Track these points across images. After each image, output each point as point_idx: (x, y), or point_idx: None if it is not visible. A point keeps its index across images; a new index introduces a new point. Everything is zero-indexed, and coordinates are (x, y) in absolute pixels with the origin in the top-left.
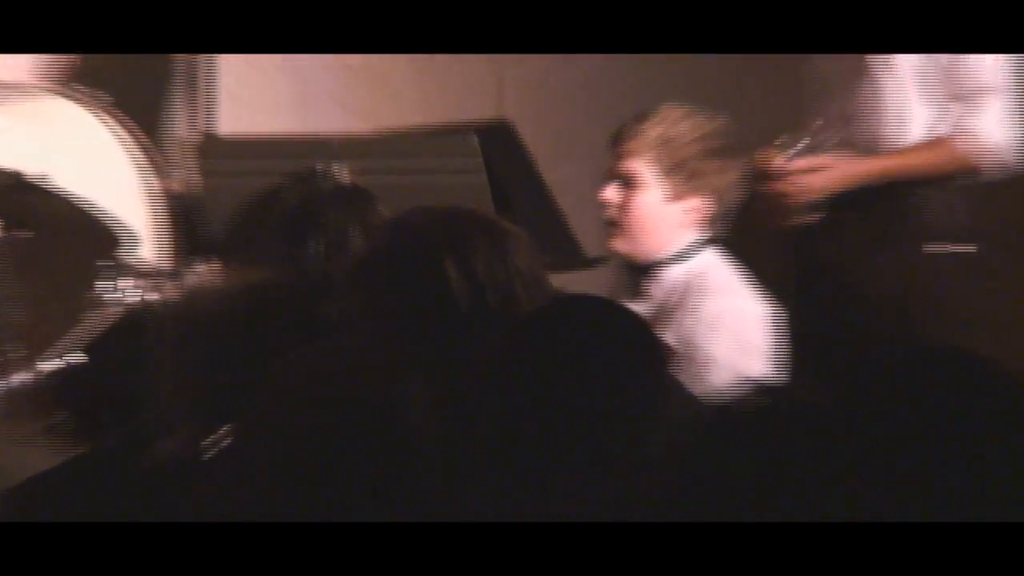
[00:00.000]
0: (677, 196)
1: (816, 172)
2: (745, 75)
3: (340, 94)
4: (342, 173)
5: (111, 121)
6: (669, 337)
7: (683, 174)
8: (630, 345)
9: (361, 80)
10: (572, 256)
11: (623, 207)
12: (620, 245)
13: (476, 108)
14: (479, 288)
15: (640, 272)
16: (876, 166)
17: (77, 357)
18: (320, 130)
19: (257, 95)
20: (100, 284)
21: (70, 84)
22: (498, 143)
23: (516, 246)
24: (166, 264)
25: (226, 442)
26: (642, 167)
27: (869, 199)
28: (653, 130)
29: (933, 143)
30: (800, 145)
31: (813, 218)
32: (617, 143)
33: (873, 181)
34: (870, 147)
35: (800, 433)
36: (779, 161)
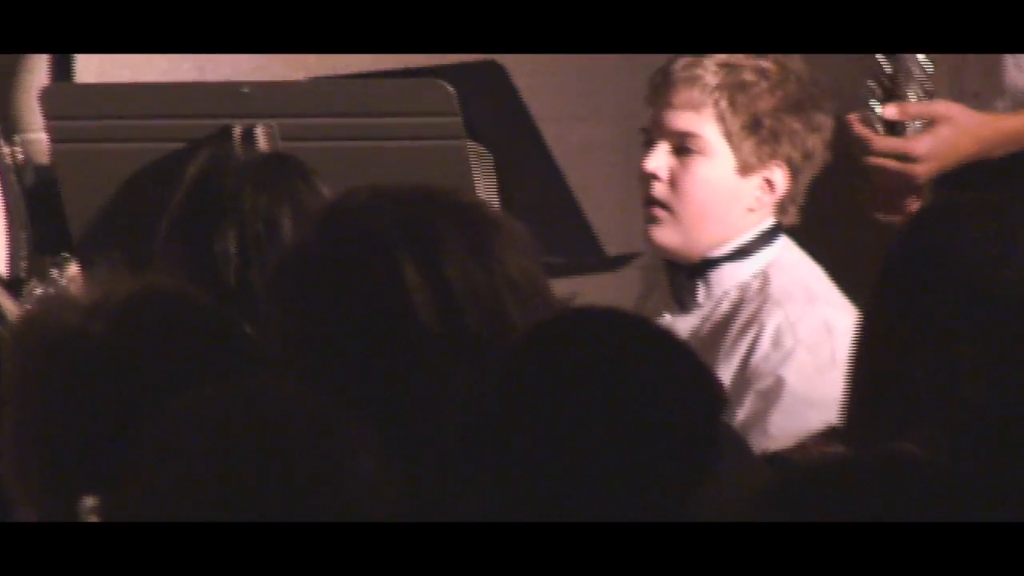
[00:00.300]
0: (751, 166)
1: (933, 129)
2: None
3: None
4: (266, 135)
5: None
6: (724, 365)
7: (759, 135)
8: (667, 381)
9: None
10: (587, 253)
11: (675, 182)
12: (668, 236)
13: None
14: (452, 302)
15: (687, 274)
16: (1019, 124)
17: None
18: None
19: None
20: None
21: None
22: (484, 95)
23: (502, 240)
24: (2, 266)
25: (91, 519)
26: (704, 125)
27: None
28: (714, 74)
29: None
30: (890, 82)
31: (931, 198)
32: (663, 92)
33: (1019, 145)
34: (1015, 107)
35: (907, 501)
36: (877, 120)
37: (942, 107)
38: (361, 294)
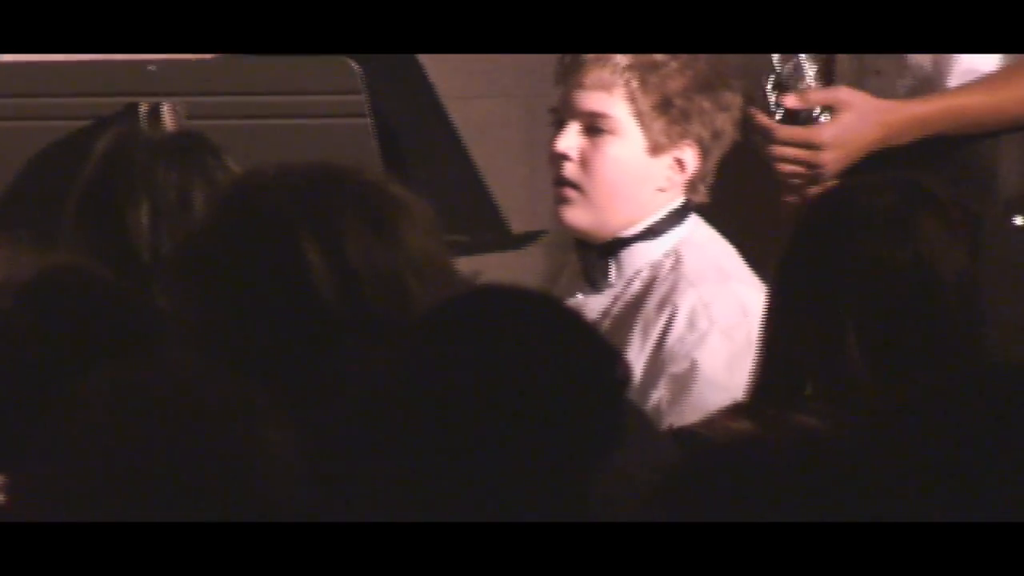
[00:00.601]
0: (661, 146)
1: (835, 116)
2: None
3: None
4: (171, 113)
5: None
6: (639, 346)
7: (670, 115)
8: (570, 359)
9: None
10: (492, 231)
11: (586, 163)
12: (578, 216)
13: None
14: (352, 280)
15: (598, 253)
16: (929, 109)
17: None
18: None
19: None
20: None
21: None
22: (388, 72)
23: (405, 218)
24: None
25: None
26: (614, 105)
27: (928, 153)
28: (624, 57)
29: (1011, 71)
30: (806, 70)
31: (837, 179)
32: (574, 72)
33: (935, 130)
34: (918, 87)
35: (804, 473)
36: (777, 107)
37: (844, 93)
38: (263, 272)
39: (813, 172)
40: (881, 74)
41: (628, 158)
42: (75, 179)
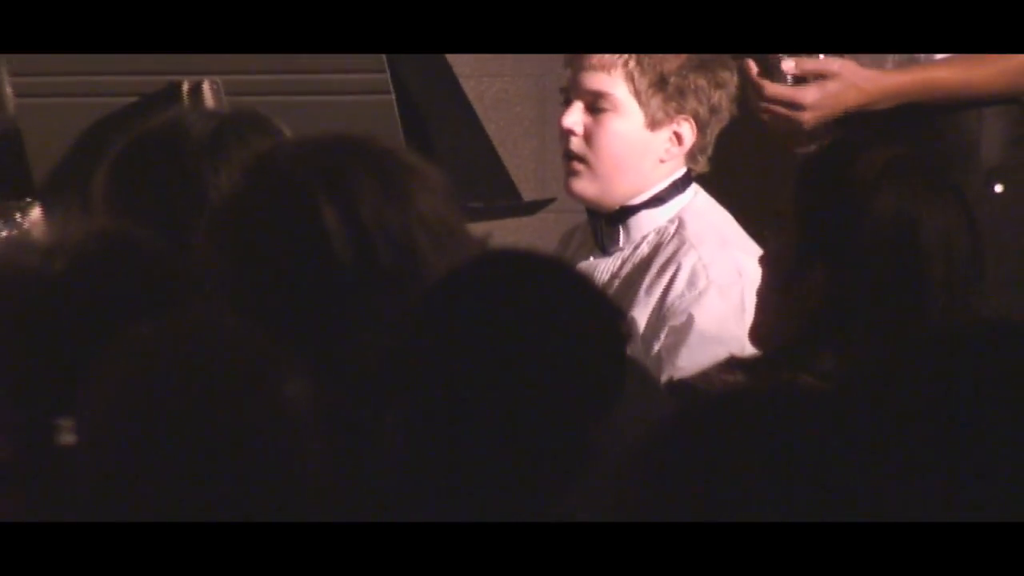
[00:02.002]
0: (659, 121)
1: (821, 82)
2: None
3: None
4: (212, 91)
5: None
6: (644, 302)
7: (666, 92)
8: (575, 316)
9: None
10: (505, 199)
11: (590, 137)
12: (585, 187)
13: None
14: (367, 240)
15: (607, 221)
16: (904, 80)
17: None
18: None
19: None
20: None
21: None
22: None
23: (418, 185)
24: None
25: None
26: (615, 84)
27: (916, 124)
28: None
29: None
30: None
31: (822, 144)
32: (579, 54)
33: (910, 99)
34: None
35: (796, 424)
36: (765, 68)
37: (835, 64)
38: (286, 236)
39: (793, 127)
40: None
41: (628, 132)
42: (114, 152)
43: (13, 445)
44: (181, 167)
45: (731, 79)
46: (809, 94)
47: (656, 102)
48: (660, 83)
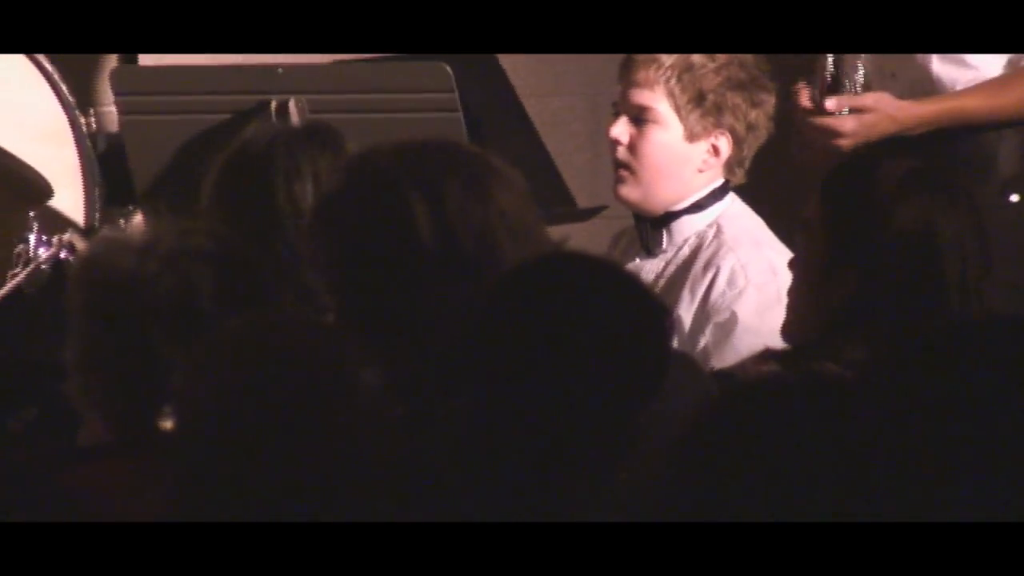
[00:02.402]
0: (697, 134)
1: (859, 115)
2: None
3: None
4: (297, 109)
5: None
6: (688, 300)
7: (703, 108)
8: (626, 312)
9: None
10: (561, 206)
11: (634, 147)
12: (630, 192)
13: None
14: (451, 232)
15: (652, 225)
16: (934, 110)
17: None
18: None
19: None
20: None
21: None
22: (476, 73)
23: (499, 183)
24: (80, 217)
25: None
26: (657, 100)
27: (934, 142)
28: (669, 57)
29: (1015, 77)
30: (834, 79)
31: (855, 163)
32: (626, 72)
33: (941, 126)
34: (926, 89)
35: (823, 409)
36: (811, 99)
37: (871, 99)
38: (379, 227)
39: (832, 153)
40: (895, 76)
41: (668, 143)
42: (218, 162)
43: (117, 430)
44: (271, 177)
45: (768, 99)
46: (848, 124)
47: (694, 117)
48: (698, 99)
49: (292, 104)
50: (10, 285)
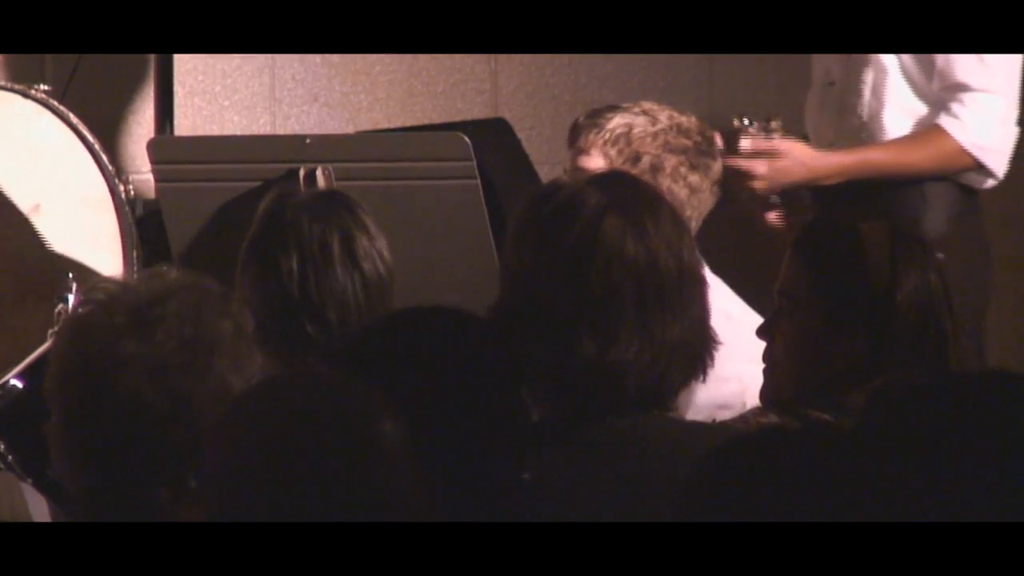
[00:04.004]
0: None
1: (771, 159)
2: (758, 74)
3: (319, 92)
4: (324, 177)
5: (51, 116)
6: None
7: (638, 169)
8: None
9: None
10: None
11: None
12: None
13: (468, 109)
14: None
15: None
16: (843, 161)
17: (14, 382)
18: (292, 130)
19: (222, 91)
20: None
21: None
22: (492, 143)
23: (662, 209)
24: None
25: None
26: (595, 163)
27: (865, 197)
28: (609, 122)
29: (922, 136)
30: (751, 124)
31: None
32: (572, 137)
33: (851, 176)
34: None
35: (819, 458)
36: (733, 142)
37: (783, 144)
38: (562, 252)
39: (748, 192)
40: (835, 84)
41: None
42: (246, 229)
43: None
44: (296, 244)
45: (712, 164)
46: (760, 167)
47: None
48: (634, 161)
49: (319, 172)
50: (50, 342)
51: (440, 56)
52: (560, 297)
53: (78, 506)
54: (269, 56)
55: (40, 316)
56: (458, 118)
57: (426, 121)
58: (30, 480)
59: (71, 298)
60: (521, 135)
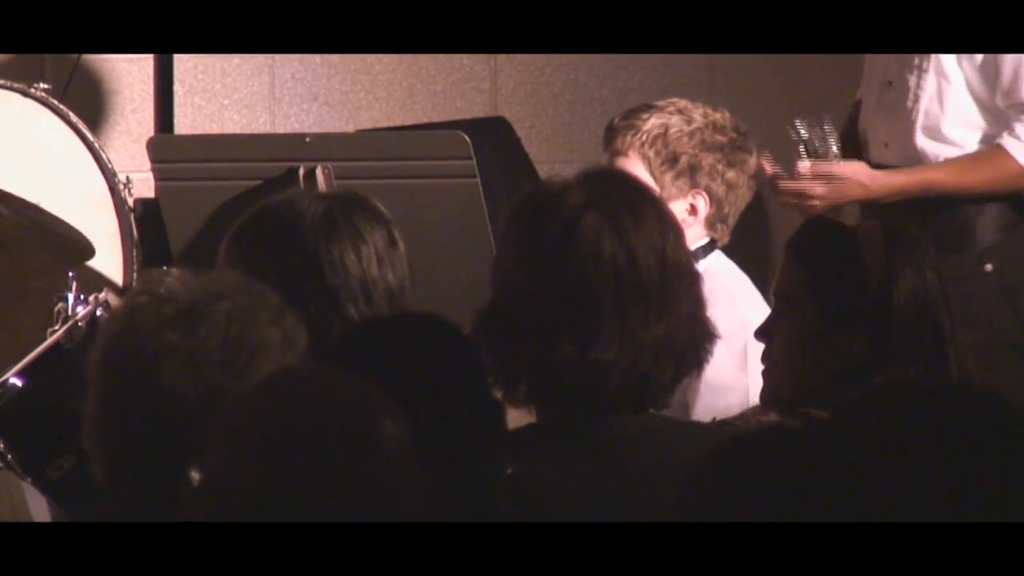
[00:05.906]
0: (673, 195)
1: (826, 184)
2: (758, 74)
3: (319, 92)
4: (324, 175)
5: (51, 115)
6: None
7: (676, 169)
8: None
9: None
10: None
11: None
12: None
13: (468, 108)
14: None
15: None
16: (904, 180)
17: (13, 381)
18: (292, 129)
19: (222, 91)
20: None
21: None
22: (492, 142)
23: (653, 209)
24: (118, 277)
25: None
26: (634, 165)
27: (915, 212)
28: (645, 123)
29: (983, 156)
30: (807, 145)
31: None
32: (608, 140)
33: (909, 196)
34: (910, 159)
35: (814, 450)
36: (778, 167)
37: (843, 167)
38: (541, 252)
39: (805, 212)
40: (888, 146)
41: None
42: (240, 226)
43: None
44: (295, 240)
45: (748, 159)
46: (817, 189)
47: (669, 178)
48: (672, 161)
49: (319, 171)
50: (49, 341)
51: (440, 56)
52: (541, 297)
53: (101, 490)
54: (269, 55)
55: (40, 316)
56: (458, 117)
57: (426, 120)
58: (30, 480)
59: (71, 298)
60: (521, 134)
